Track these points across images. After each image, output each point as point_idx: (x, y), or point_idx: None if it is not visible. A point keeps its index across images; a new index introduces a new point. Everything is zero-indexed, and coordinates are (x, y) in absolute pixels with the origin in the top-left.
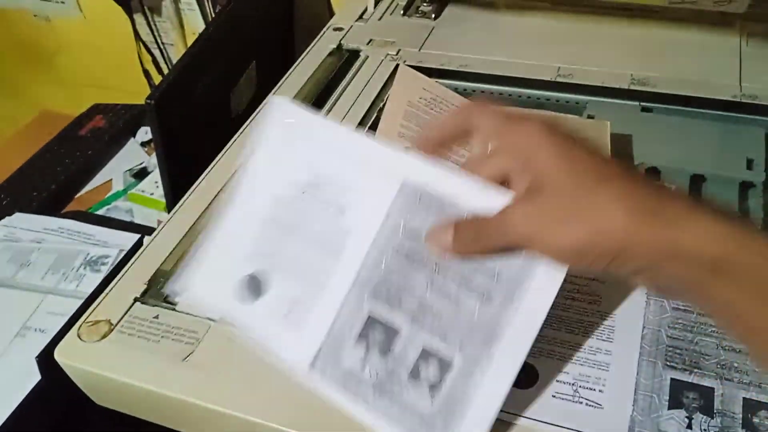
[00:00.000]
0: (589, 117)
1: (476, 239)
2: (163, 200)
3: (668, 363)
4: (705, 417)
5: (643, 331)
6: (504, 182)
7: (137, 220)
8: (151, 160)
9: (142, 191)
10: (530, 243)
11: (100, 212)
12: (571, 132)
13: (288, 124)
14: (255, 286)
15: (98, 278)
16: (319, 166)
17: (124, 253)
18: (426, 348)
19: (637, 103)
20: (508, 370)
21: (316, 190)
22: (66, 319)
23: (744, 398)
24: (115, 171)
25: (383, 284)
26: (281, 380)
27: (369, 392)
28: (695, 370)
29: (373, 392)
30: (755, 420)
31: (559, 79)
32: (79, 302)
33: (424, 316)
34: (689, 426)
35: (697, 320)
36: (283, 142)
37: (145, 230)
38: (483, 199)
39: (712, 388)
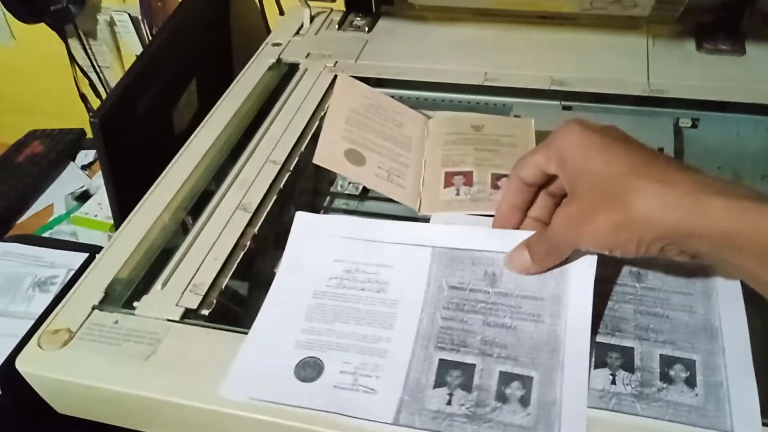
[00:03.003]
0: (516, 116)
1: (548, 251)
2: (108, 221)
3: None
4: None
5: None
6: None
7: None
8: (93, 183)
9: (86, 213)
10: (575, 242)
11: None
12: (599, 127)
13: (310, 231)
14: (314, 365)
15: (48, 298)
16: (348, 256)
17: (72, 272)
18: (503, 372)
19: (557, 102)
20: (580, 366)
21: (352, 277)
22: (18, 339)
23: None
24: (55, 195)
25: (444, 335)
26: None
27: (464, 423)
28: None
29: (468, 422)
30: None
31: (486, 83)
32: (30, 323)
33: (491, 349)
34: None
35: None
36: (309, 246)
37: (92, 249)
38: (507, 242)
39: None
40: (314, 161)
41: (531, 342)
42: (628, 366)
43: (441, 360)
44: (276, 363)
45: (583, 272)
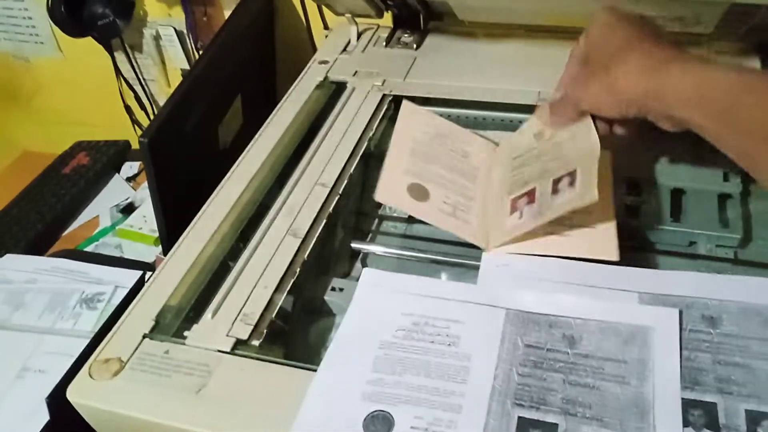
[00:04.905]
0: None
1: (564, 111)
2: (153, 234)
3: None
4: None
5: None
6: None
7: (127, 256)
8: (138, 195)
9: (131, 226)
10: (578, 102)
11: (88, 249)
12: (624, 14)
13: (377, 286)
14: (383, 419)
15: (95, 315)
16: (417, 311)
17: (120, 289)
18: None
19: None
20: (674, 429)
21: (420, 329)
22: (65, 358)
23: None
24: (101, 207)
25: (522, 391)
26: (295, 406)
27: None
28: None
29: None
30: None
31: (540, 103)
32: (77, 340)
33: (574, 408)
34: None
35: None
36: (375, 299)
37: (140, 266)
38: (582, 308)
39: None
40: (376, 198)
41: (617, 403)
42: (713, 424)
43: (520, 418)
44: (343, 416)
45: (667, 334)
